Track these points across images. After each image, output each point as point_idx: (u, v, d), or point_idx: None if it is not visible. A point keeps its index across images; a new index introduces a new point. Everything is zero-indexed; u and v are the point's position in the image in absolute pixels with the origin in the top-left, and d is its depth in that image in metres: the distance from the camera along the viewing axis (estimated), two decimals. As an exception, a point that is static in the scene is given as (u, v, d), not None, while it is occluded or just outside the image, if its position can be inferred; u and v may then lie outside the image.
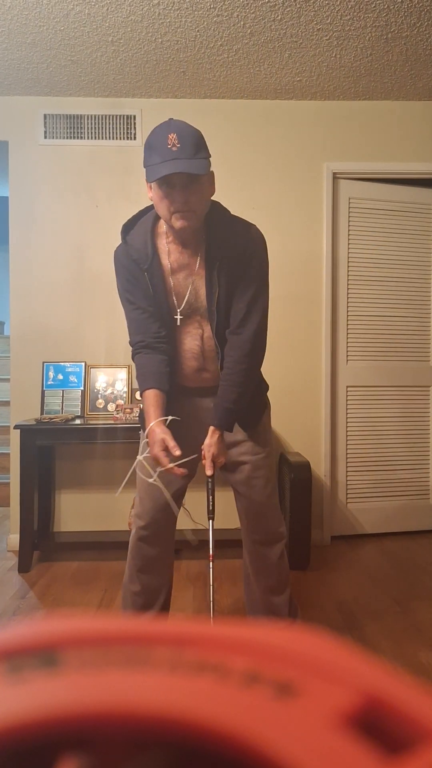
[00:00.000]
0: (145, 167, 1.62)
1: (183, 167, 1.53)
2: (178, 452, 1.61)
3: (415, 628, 2.31)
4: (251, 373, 1.79)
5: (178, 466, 1.66)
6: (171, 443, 1.62)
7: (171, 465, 1.61)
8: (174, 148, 1.54)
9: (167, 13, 2.58)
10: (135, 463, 1.87)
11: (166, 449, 1.64)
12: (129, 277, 1.76)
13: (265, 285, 1.78)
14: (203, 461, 1.77)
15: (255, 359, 1.79)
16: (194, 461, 1.92)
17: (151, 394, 1.74)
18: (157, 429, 1.67)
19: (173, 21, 2.63)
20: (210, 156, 1.61)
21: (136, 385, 3.32)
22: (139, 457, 1.78)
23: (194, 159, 1.55)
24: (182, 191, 1.59)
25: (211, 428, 1.76)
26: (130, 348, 1.85)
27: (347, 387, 3.48)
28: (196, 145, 1.57)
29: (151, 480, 1.70)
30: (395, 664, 2.03)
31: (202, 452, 1.76)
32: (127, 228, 1.79)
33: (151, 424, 1.68)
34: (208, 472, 1.76)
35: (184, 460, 1.65)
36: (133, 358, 1.84)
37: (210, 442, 1.75)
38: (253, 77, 3.13)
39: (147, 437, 1.70)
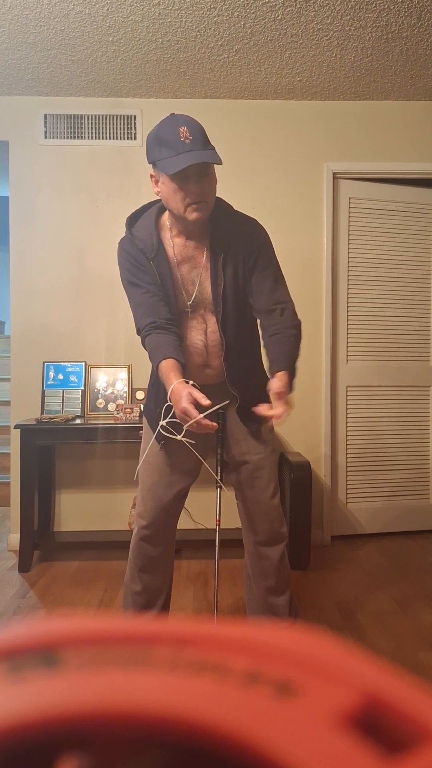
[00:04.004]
0: (155, 161, 1.63)
1: (204, 157, 1.55)
2: (206, 402, 1.54)
3: (415, 628, 2.31)
4: (298, 342, 1.77)
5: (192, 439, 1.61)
6: (198, 394, 1.55)
7: (200, 416, 1.54)
8: (187, 141, 1.56)
9: (167, 13, 2.58)
10: (155, 432, 1.80)
11: (194, 402, 1.56)
12: (135, 263, 1.75)
13: (279, 266, 1.82)
14: (279, 406, 1.59)
15: (300, 331, 1.78)
16: (197, 465, 1.92)
17: (169, 362, 1.65)
18: (180, 386, 1.59)
19: (173, 21, 2.63)
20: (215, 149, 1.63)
21: (136, 384, 3.32)
22: (162, 422, 1.68)
23: (207, 150, 1.58)
24: (197, 183, 1.61)
25: (280, 373, 1.65)
26: (138, 335, 1.77)
27: (347, 387, 3.48)
28: (205, 136, 1.61)
29: (179, 437, 1.63)
30: (395, 664, 2.03)
31: (272, 393, 1.61)
32: (132, 220, 1.80)
33: (172, 385, 1.60)
34: (279, 412, 1.57)
35: (213, 409, 1.57)
36: (143, 341, 1.75)
37: (280, 383, 1.62)
38: (254, 77, 3.13)
39: (170, 399, 1.61)
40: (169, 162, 1.57)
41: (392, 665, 2.00)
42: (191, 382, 1.61)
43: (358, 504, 3.50)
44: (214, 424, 1.57)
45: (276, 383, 1.62)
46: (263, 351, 1.81)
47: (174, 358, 1.65)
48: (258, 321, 1.86)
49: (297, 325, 1.78)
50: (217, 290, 1.74)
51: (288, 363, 1.70)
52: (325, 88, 3.25)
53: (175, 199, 1.64)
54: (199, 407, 1.54)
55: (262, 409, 1.58)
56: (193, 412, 1.54)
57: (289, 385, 1.66)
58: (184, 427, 1.59)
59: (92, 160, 3.36)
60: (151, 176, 1.69)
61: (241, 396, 1.82)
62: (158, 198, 1.75)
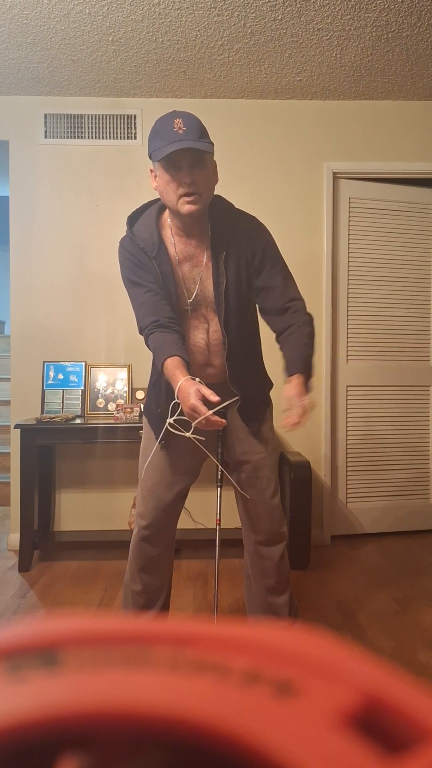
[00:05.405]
0: (150, 153, 1.65)
1: (191, 145, 1.56)
2: (215, 398, 1.53)
3: (415, 628, 2.31)
4: (313, 338, 1.76)
5: (197, 434, 1.60)
6: (207, 390, 1.54)
7: (209, 412, 1.52)
8: (180, 131, 1.57)
9: (168, 12, 2.57)
10: (156, 432, 1.81)
11: (202, 399, 1.54)
12: (137, 262, 1.74)
13: (284, 261, 1.83)
14: (297, 409, 1.56)
15: (313, 327, 1.77)
16: (197, 465, 1.92)
17: (174, 360, 1.63)
18: (187, 383, 1.57)
19: (173, 20, 2.63)
20: (214, 144, 1.63)
21: (136, 384, 3.32)
22: (170, 420, 1.67)
23: (200, 141, 1.59)
24: (189, 173, 1.61)
25: (295, 376, 1.63)
26: (140, 334, 1.76)
27: (347, 387, 3.48)
28: (201, 130, 1.61)
29: (188, 434, 1.61)
30: (395, 664, 2.03)
31: (297, 405, 1.56)
32: (133, 219, 1.80)
33: (179, 382, 1.58)
34: (293, 420, 1.55)
35: (222, 405, 1.57)
36: (146, 340, 1.73)
37: (296, 390, 1.60)
38: (254, 77, 3.13)
39: (177, 396, 1.60)
40: (158, 152, 1.60)
41: (392, 665, 2.00)
42: (197, 379, 1.61)
43: (358, 504, 3.50)
44: (223, 420, 1.57)
45: (291, 389, 1.60)
46: (280, 350, 1.77)
47: (179, 356, 1.64)
48: (266, 320, 1.83)
49: (310, 321, 1.77)
50: (219, 289, 1.73)
51: (303, 365, 1.67)
52: (325, 87, 3.25)
53: (168, 191, 1.65)
54: (207, 404, 1.54)
55: (285, 422, 1.56)
56: (202, 408, 1.53)
57: (305, 387, 1.63)
58: (193, 424, 1.58)
59: (92, 160, 3.36)
60: (151, 171, 1.70)
61: (242, 395, 1.82)
62: (158, 197, 1.75)
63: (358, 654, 0.27)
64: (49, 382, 3.31)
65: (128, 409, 3.11)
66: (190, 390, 1.55)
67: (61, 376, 3.31)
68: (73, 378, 3.31)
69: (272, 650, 0.27)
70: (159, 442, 1.83)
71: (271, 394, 1.98)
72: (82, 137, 3.34)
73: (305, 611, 2.41)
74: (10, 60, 2.96)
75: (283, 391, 1.62)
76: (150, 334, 1.71)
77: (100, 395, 3.31)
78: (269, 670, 0.25)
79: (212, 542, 1.95)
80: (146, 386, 2.05)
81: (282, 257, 1.83)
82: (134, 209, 1.83)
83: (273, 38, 2.77)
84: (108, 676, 0.24)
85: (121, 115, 3.35)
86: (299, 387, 1.61)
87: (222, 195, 1.80)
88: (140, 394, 3.27)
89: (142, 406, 3.07)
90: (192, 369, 1.76)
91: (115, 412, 3.19)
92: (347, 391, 3.48)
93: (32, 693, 0.23)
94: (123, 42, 2.80)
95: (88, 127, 3.34)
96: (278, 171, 3.39)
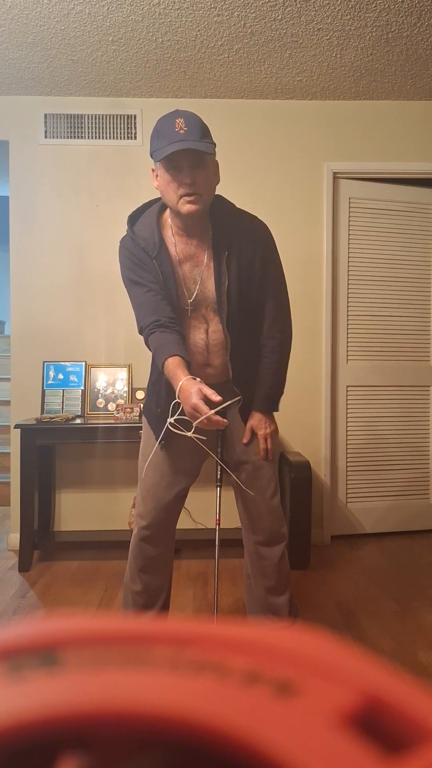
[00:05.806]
0: (151, 153, 1.65)
1: (191, 145, 1.56)
2: (217, 398, 1.54)
3: (415, 628, 2.31)
4: (285, 358, 1.89)
5: (199, 433, 1.65)
6: (208, 390, 1.55)
7: (211, 412, 1.53)
8: (181, 131, 1.57)
9: (168, 12, 2.58)
10: (156, 432, 1.82)
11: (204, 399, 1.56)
12: (137, 262, 1.74)
13: (281, 270, 1.84)
14: (260, 441, 1.85)
15: (287, 346, 1.88)
16: (197, 465, 1.92)
17: (175, 359, 1.64)
18: (189, 383, 1.58)
19: (174, 20, 2.63)
20: (215, 145, 1.63)
21: (136, 384, 3.32)
22: (170, 420, 1.69)
23: (201, 141, 1.59)
24: (189, 173, 1.61)
25: (252, 413, 1.84)
26: (140, 334, 1.76)
27: (347, 387, 3.48)
28: (202, 130, 1.61)
29: (189, 434, 1.62)
30: (395, 664, 2.03)
31: (258, 436, 1.86)
32: (134, 218, 1.80)
33: (181, 382, 1.59)
34: (262, 452, 1.86)
35: (225, 404, 1.60)
36: (147, 340, 1.74)
37: (251, 426, 1.85)
38: (254, 77, 3.13)
39: (178, 396, 1.61)
40: (159, 151, 1.60)
41: (392, 665, 2.00)
42: (198, 378, 1.61)
43: (358, 504, 3.50)
44: (225, 420, 1.57)
45: (250, 423, 1.85)
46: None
47: (180, 356, 1.65)
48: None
49: (281, 346, 1.86)
50: (221, 289, 1.73)
51: (260, 403, 1.85)
52: (325, 88, 3.25)
53: (169, 191, 1.65)
54: (209, 403, 1.55)
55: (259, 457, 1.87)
56: (204, 408, 1.54)
57: (265, 420, 1.86)
58: (194, 424, 1.59)
59: (92, 160, 3.36)
60: (153, 170, 1.71)
61: (244, 394, 1.82)
62: (159, 196, 1.75)
63: (358, 654, 0.27)
64: (49, 382, 3.31)
65: (128, 409, 3.11)
66: (191, 389, 1.56)
67: (61, 376, 3.31)
68: (73, 378, 3.31)
69: (272, 650, 0.27)
70: (159, 442, 1.83)
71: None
72: (82, 137, 3.34)
73: (305, 611, 2.41)
74: (10, 60, 2.96)
75: (247, 424, 1.86)
76: (150, 333, 1.71)
77: (100, 395, 3.31)
78: (269, 670, 0.25)
79: (212, 542, 1.95)
80: (146, 386, 2.05)
81: (278, 261, 1.84)
82: (135, 209, 1.83)
83: (273, 38, 2.77)
84: (108, 676, 0.24)
85: (121, 115, 3.35)
86: (256, 422, 1.85)
87: (222, 195, 1.80)
88: (140, 394, 3.27)
89: (142, 406, 3.07)
90: (191, 369, 1.76)
91: (115, 412, 3.19)
92: (347, 391, 3.48)
93: (32, 693, 0.23)
94: (123, 42, 2.80)
95: (88, 127, 3.34)
96: (278, 171, 3.39)
